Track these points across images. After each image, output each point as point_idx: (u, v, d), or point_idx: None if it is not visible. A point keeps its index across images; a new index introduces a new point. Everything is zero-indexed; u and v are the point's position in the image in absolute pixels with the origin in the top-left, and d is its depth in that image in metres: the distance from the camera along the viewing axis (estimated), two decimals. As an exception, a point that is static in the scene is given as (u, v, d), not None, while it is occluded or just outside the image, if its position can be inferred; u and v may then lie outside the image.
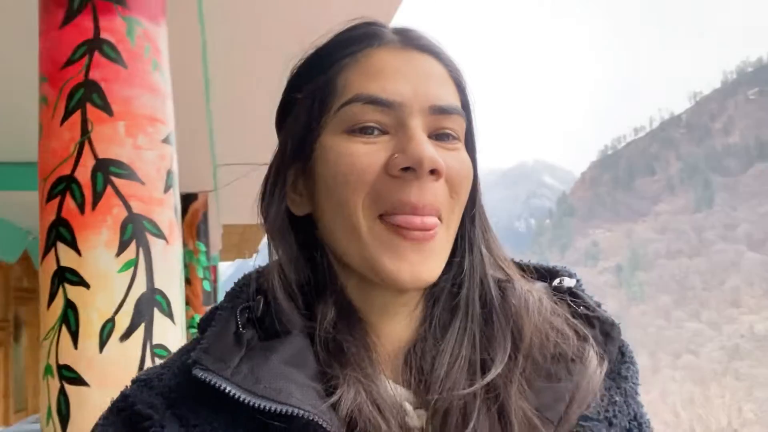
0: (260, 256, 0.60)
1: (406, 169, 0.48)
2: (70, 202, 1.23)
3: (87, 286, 1.22)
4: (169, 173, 1.35)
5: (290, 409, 0.43)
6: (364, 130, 0.50)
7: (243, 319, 0.50)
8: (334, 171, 0.50)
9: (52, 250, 1.24)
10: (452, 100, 0.52)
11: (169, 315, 1.28)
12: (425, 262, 0.49)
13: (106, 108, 1.25)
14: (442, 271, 0.53)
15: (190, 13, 2.22)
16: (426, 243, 0.49)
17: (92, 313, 1.22)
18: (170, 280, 1.30)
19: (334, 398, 0.46)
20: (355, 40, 0.52)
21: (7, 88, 2.93)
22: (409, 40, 0.53)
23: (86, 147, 1.23)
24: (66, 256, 1.23)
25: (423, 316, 0.55)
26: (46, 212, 1.24)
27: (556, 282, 0.58)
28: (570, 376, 0.50)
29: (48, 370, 1.25)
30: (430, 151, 0.48)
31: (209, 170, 4.18)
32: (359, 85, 0.50)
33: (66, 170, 1.23)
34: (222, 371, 0.45)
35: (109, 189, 1.23)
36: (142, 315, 1.25)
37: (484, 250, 0.56)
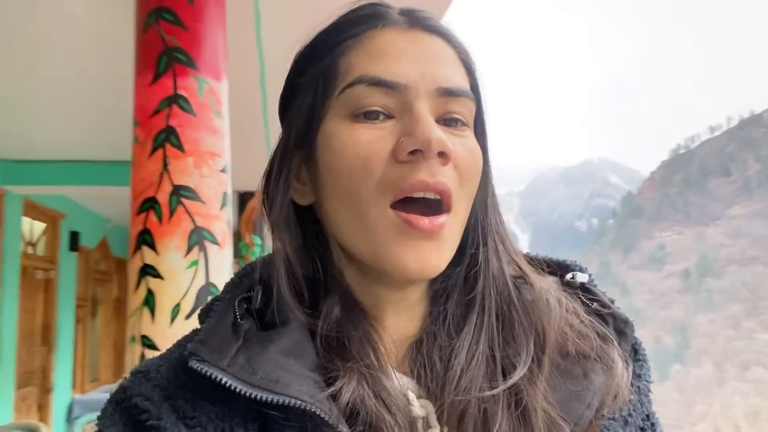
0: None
1: (414, 152, 0.46)
2: (152, 216, 1.69)
3: (162, 278, 1.69)
4: (224, 195, 1.79)
5: (287, 400, 0.42)
6: (368, 115, 0.47)
7: (241, 310, 0.49)
8: (339, 160, 0.48)
9: (139, 251, 1.70)
10: (461, 82, 0.50)
11: (220, 302, 1.78)
12: (434, 251, 0.47)
13: (180, 147, 1.70)
14: (454, 264, 0.51)
15: (248, 41, 2.67)
16: (440, 231, 0.47)
17: (165, 299, 1.68)
18: (221, 276, 1.75)
19: (334, 388, 0.45)
20: (359, 21, 0.50)
21: (101, 106, 3.51)
22: (415, 20, 0.50)
23: (165, 176, 1.68)
24: (148, 255, 1.69)
25: (430, 311, 0.53)
26: (136, 223, 1.71)
27: (568, 277, 0.56)
28: (589, 377, 0.48)
29: (133, 339, 1.73)
30: (438, 132, 0.45)
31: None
32: (363, 66, 0.48)
33: (150, 193, 1.69)
34: (218, 362, 0.44)
35: (180, 207, 1.69)
36: (200, 301, 1.70)
37: (499, 244, 0.53)
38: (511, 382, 0.47)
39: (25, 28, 2.57)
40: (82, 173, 4.77)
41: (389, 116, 0.48)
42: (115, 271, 7.92)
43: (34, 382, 5.44)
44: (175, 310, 1.66)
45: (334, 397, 0.45)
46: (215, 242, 1.72)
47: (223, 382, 0.43)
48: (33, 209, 5.30)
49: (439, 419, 0.47)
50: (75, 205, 6.04)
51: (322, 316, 0.50)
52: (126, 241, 7.92)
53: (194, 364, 0.44)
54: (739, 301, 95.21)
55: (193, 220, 1.68)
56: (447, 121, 0.49)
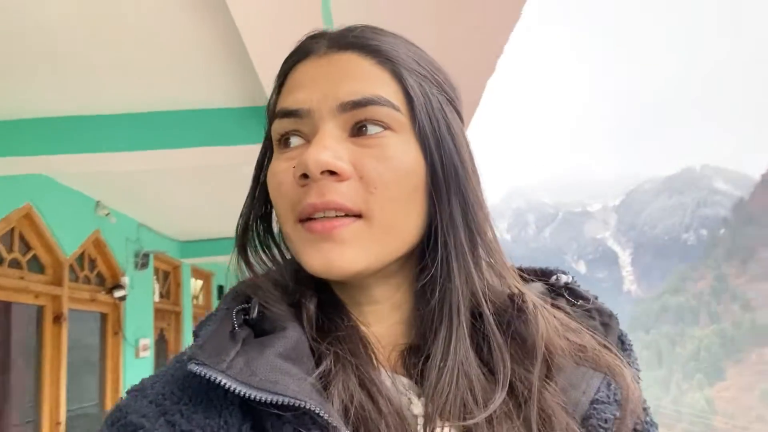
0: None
1: (303, 176, 0.47)
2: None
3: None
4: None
5: (287, 400, 0.42)
6: (284, 143, 0.51)
7: (239, 320, 0.49)
8: (269, 187, 0.52)
9: None
10: (370, 91, 0.48)
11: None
12: (335, 251, 0.47)
13: None
14: (421, 273, 0.52)
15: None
16: (331, 232, 0.47)
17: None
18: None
19: (330, 389, 0.46)
20: (289, 60, 0.54)
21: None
22: (335, 40, 0.52)
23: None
24: None
25: (416, 316, 0.54)
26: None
27: (552, 279, 0.58)
28: (585, 380, 0.50)
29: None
30: (317, 155, 0.46)
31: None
32: (280, 102, 0.52)
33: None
34: (217, 365, 0.43)
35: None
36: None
37: (469, 254, 0.51)
38: (491, 410, 0.46)
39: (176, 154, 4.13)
40: (228, 246, 6.60)
41: (307, 140, 0.50)
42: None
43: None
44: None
45: (331, 398, 0.45)
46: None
47: (222, 383, 0.42)
48: (194, 272, 7.17)
49: (441, 418, 0.47)
50: (219, 265, 7.84)
51: (304, 319, 0.50)
52: None
53: (193, 367, 0.43)
54: None
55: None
56: (357, 131, 0.49)
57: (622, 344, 0.56)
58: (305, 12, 1.99)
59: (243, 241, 0.56)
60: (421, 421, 0.47)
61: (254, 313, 0.50)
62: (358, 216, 0.48)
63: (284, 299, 0.52)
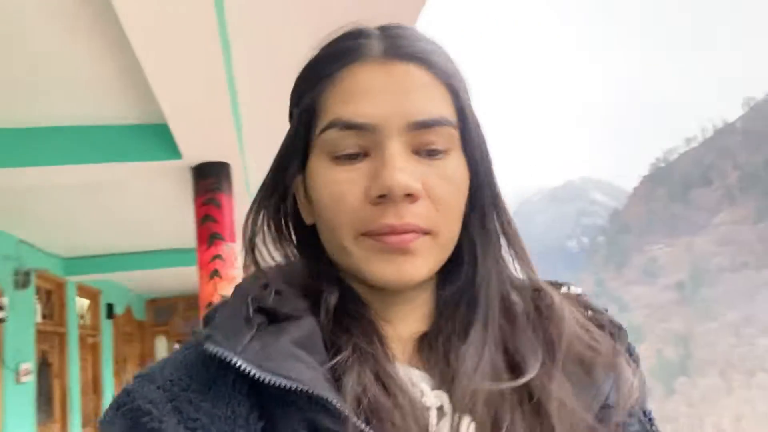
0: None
1: (382, 196, 0.48)
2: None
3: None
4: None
5: (301, 386, 0.42)
6: (343, 157, 0.50)
7: (254, 307, 0.49)
8: (320, 196, 0.51)
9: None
10: (436, 111, 0.50)
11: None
12: (407, 263, 0.49)
13: (220, 276, 3.28)
14: (457, 271, 0.55)
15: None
16: (408, 245, 0.48)
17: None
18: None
19: (343, 379, 0.46)
20: (335, 58, 0.52)
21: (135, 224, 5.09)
22: (393, 48, 0.51)
23: (215, 291, 3.30)
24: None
25: (438, 312, 0.55)
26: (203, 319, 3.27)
27: (563, 290, 0.58)
28: (593, 376, 0.51)
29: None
30: (399, 177, 0.47)
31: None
32: (336, 108, 0.50)
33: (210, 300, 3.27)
34: (233, 347, 0.44)
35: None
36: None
37: (500, 257, 0.55)
38: (524, 380, 0.48)
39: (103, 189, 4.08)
40: (118, 262, 6.35)
41: (366, 153, 0.50)
42: (137, 332, 9.40)
43: (90, 424, 6.87)
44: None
45: (343, 387, 0.45)
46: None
47: (237, 365, 0.43)
48: (81, 290, 6.82)
49: (455, 409, 0.48)
50: (108, 282, 7.49)
51: (322, 310, 0.51)
52: (143, 305, 9.64)
53: (209, 347, 0.44)
54: (736, 308, 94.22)
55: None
56: (421, 152, 0.50)
57: (630, 355, 0.56)
58: (200, 32, 2.08)
59: (254, 232, 0.56)
60: (434, 413, 0.48)
61: (269, 301, 0.50)
62: (427, 233, 0.50)
63: (299, 293, 0.52)
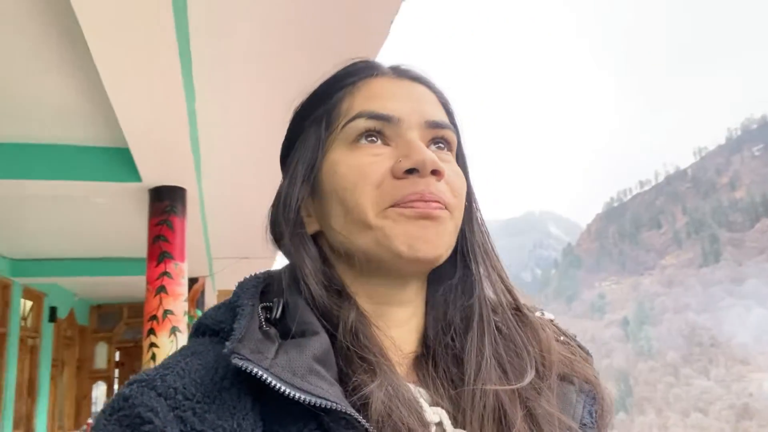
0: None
1: (410, 171, 0.51)
2: (154, 323, 3.46)
3: (158, 347, 3.40)
4: (185, 311, 3.57)
5: (327, 403, 0.43)
6: (367, 137, 0.54)
7: (264, 317, 0.50)
8: (342, 179, 0.53)
9: (149, 336, 3.42)
10: (444, 118, 0.57)
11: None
12: (433, 226, 0.51)
13: (167, 292, 3.48)
14: (449, 275, 0.58)
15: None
16: (435, 210, 0.51)
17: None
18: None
19: (363, 397, 0.47)
20: (355, 72, 0.58)
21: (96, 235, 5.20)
22: (401, 72, 0.59)
23: (161, 307, 3.45)
24: (154, 339, 3.40)
25: (427, 325, 0.57)
26: (146, 326, 3.44)
27: (537, 314, 0.61)
28: (573, 402, 0.54)
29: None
30: (431, 154, 0.52)
31: (206, 263, 6.44)
32: (361, 105, 0.55)
33: (153, 313, 3.45)
34: (261, 361, 0.44)
35: (167, 319, 3.51)
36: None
37: (490, 267, 0.59)
38: (527, 380, 0.51)
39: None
40: (67, 267, 6.41)
41: (386, 144, 0.54)
42: (78, 336, 9.24)
43: (22, 426, 6.79)
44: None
45: (362, 404, 0.46)
46: (181, 331, 3.48)
47: (267, 381, 0.43)
48: (25, 291, 6.78)
49: (454, 424, 0.49)
50: (53, 286, 7.42)
51: (341, 329, 0.51)
52: (87, 310, 9.50)
53: (238, 362, 0.43)
54: (675, 348, 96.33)
55: (172, 325, 3.45)
56: (436, 143, 0.56)
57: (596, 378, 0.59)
58: (162, 64, 2.25)
59: (278, 227, 0.58)
60: (433, 429, 0.49)
61: (277, 313, 0.51)
62: (448, 209, 0.54)
63: (305, 305, 0.52)
